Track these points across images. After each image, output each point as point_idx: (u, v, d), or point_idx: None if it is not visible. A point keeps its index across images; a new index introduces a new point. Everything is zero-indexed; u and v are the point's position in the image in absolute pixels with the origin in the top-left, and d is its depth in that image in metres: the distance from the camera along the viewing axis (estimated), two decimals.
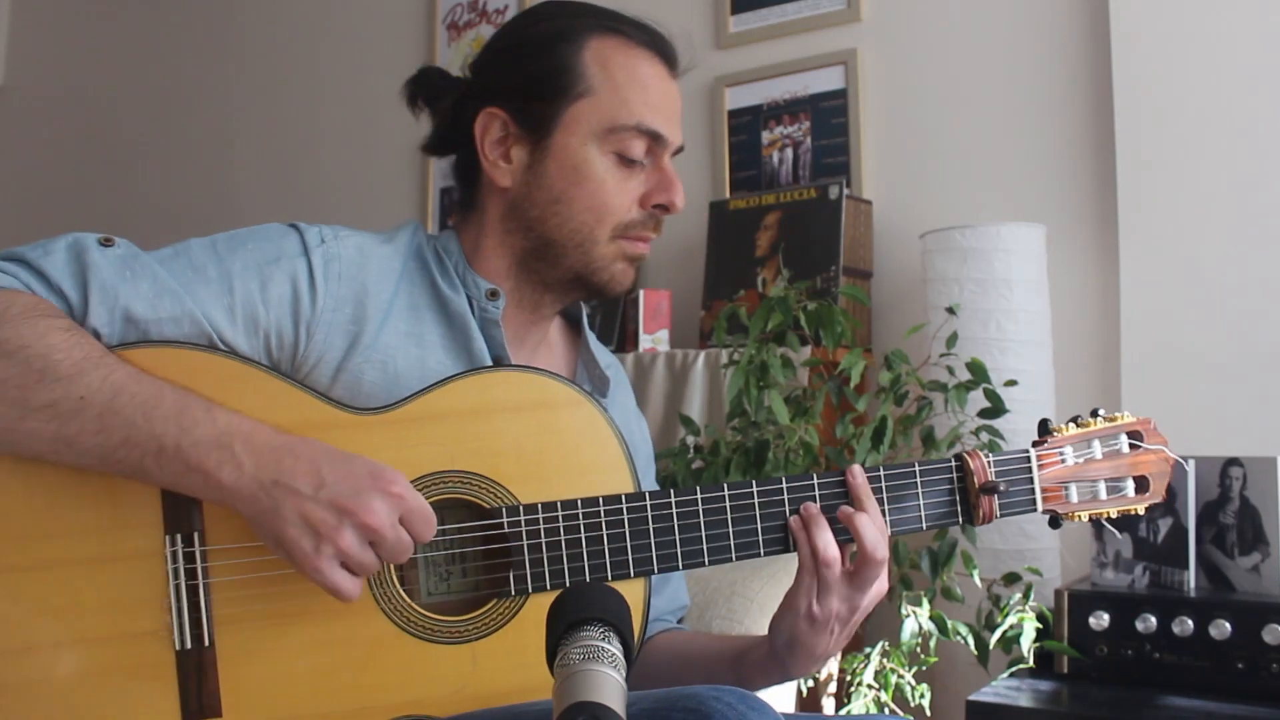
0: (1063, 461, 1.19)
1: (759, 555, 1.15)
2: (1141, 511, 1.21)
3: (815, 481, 1.15)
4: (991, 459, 1.17)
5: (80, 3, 4.23)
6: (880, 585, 1.15)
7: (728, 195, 2.81)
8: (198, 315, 1.10)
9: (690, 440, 2.15)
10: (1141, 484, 1.20)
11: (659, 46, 1.25)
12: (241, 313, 1.12)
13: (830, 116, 2.72)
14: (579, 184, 1.20)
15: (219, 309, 1.11)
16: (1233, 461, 1.88)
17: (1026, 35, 2.50)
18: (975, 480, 1.16)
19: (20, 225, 4.19)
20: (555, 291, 1.26)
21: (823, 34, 2.74)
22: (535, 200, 1.22)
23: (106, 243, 1.10)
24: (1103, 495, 1.19)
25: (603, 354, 1.38)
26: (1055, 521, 1.20)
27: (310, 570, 1.00)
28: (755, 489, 1.14)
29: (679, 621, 1.42)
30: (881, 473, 1.16)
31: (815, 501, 1.15)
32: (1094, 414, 1.22)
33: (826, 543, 1.12)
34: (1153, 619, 1.80)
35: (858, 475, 1.15)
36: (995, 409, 1.95)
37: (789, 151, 2.77)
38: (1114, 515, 1.21)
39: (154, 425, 1.00)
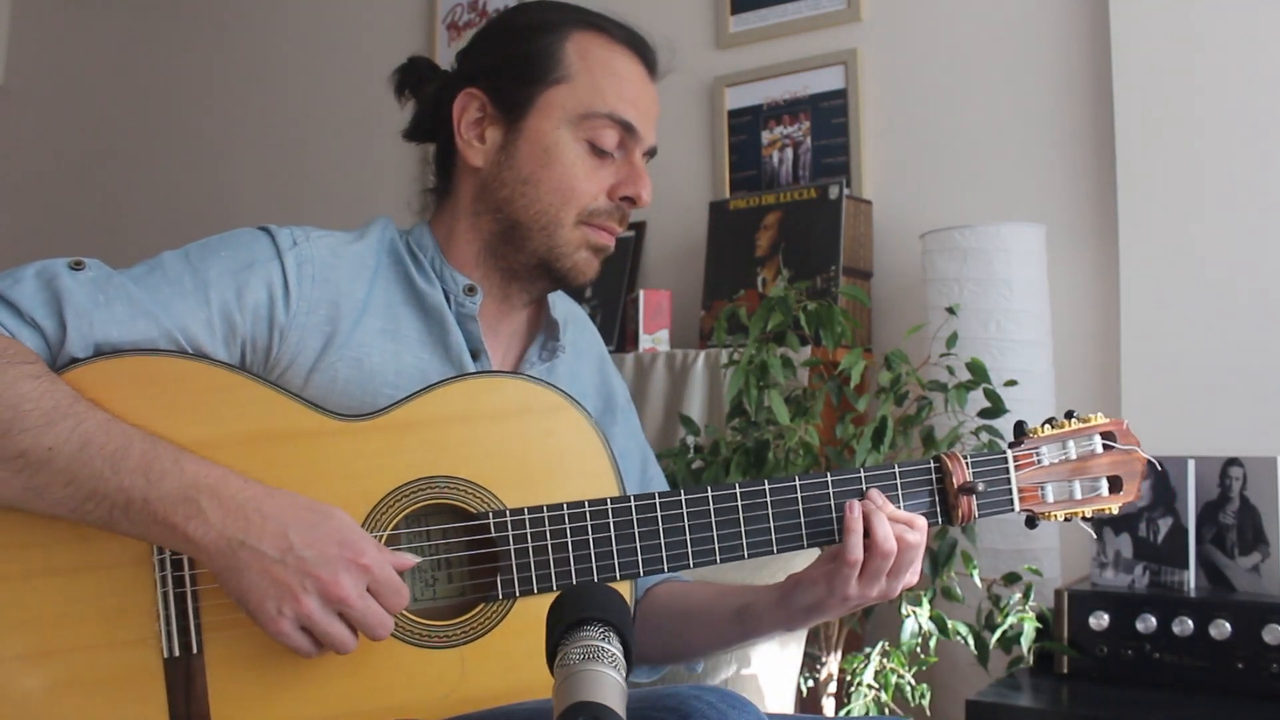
0: (1038, 462, 1.21)
1: (743, 558, 1.15)
2: (1115, 511, 1.23)
3: (798, 483, 1.16)
4: (969, 460, 1.18)
5: (80, 3, 4.23)
6: (913, 574, 1.16)
7: (728, 195, 2.80)
8: (175, 334, 1.10)
9: (690, 440, 2.15)
10: (1115, 484, 1.22)
11: (639, 47, 1.28)
12: (220, 323, 1.12)
13: (830, 116, 2.72)
14: (548, 166, 1.22)
15: (197, 322, 1.11)
16: (1233, 461, 1.87)
17: (1026, 35, 2.49)
18: (953, 481, 1.17)
19: (20, 225, 4.19)
20: (522, 280, 1.27)
21: (823, 34, 2.74)
22: (505, 180, 1.23)
23: (76, 266, 1.09)
24: (1078, 495, 1.21)
25: (561, 306, 1.36)
26: (1031, 522, 1.22)
27: (273, 634, 1.00)
28: (738, 491, 1.15)
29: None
30: (862, 474, 1.17)
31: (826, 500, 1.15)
32: (1068, 415, 1.23)
33: (886, 534, 1.12)
34: (1153, 619, 1.79)
35: (876, 498, 1.15)
36: (995, 409, 1.95)
37: (789, 151, 2.77)
38: (1089, 515, 1.23)
39: (121, 478, 0.99)
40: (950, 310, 2.16)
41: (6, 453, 0.98)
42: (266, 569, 0.99)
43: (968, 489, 1.17)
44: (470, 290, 1.24)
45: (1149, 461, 1.23)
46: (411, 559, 1.06)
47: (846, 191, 2.51)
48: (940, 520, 1.19)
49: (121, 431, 1.01)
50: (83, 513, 1.00)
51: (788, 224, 2.56)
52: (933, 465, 1.19)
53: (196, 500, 1.00)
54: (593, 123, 1.22)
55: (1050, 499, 1.21)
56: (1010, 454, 1.20)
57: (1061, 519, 1.22)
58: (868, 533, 1.12)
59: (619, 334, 2.76)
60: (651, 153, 1.28)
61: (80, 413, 1.01)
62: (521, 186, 1.23)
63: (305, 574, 0.99)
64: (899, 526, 1.13)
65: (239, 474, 1.03)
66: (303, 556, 0.99)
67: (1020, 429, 1.23)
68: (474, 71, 1.27)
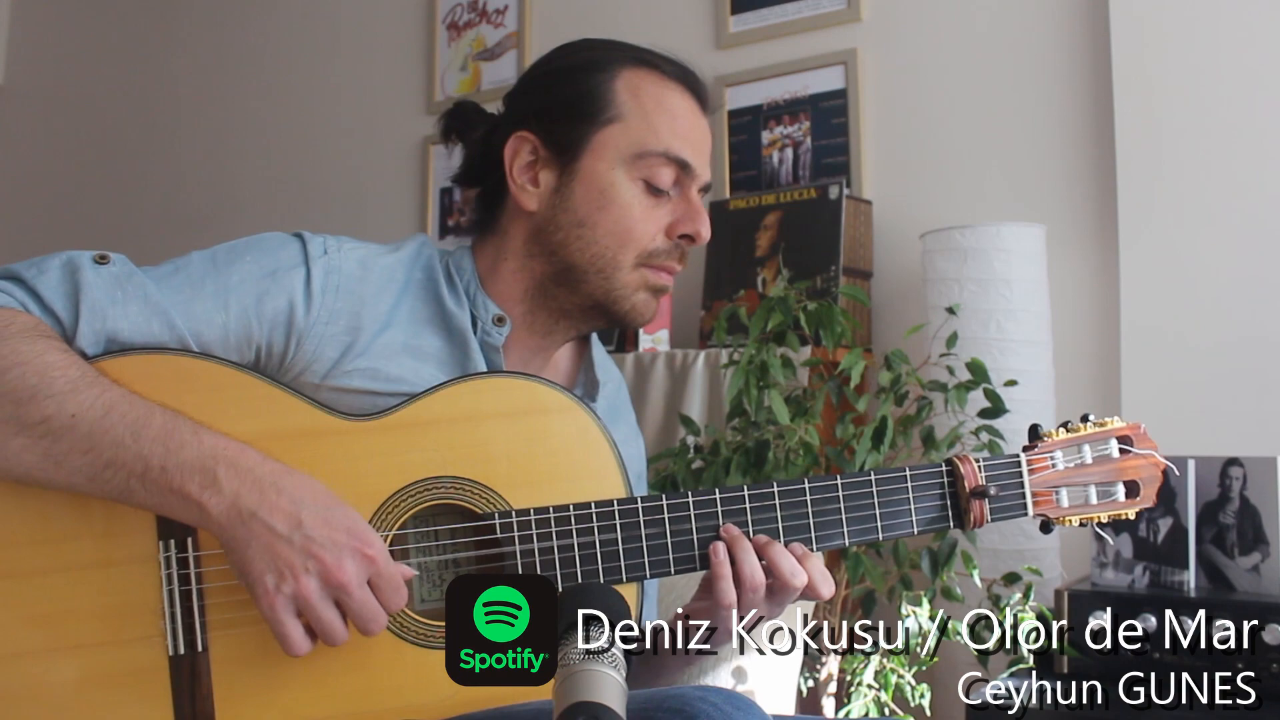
0: (1053, 466, 1.19)
1: None
2: (1132, 516, 1.21)
3: (795, 486, 1.14)
4: (982, 463, 1.17)
5: (80, 3, 4.23)
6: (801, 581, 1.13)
7: (728, 195, 2.80)
8: (187, 339, 1.10)
9: (690, 440, 2.15)
10: (1132, 488, 1.20)
11: (690, 83, 1.26)
12: (236, 329, 1.12)
13: (830, 116, 2.72)
14: (604, 208, 1.20)
15: (212, 328, 1.11)
16: (1233, 461, 1.87)
17: (1026, 35, 2.50)
18: (965, 485, 1.15)
19: (20, 225, 4.19)
20: (572, 318, 1.26)
21: (823, 34, 2.74)
22: (560, 224, 1.21)
23: (101, 260, 1.09)
24: (1093, 500, 1.19)
25: (606, 369, 1.37)
26: (1046, 526, 1.20)
27: (265, 608, 1.00)
28: (746, 492, 1.14)
29: None
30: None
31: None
32: (1084, 419, 1.21)
33: (754, 569, 1.10)
34: (1153, 619, 1.79)
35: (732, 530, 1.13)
36: (995, 409, 1.95)
37: (789, 151, 2.77)
38: (1105, 520, 1.21)
39: (141, 445, 1.00)
40: (950, 310, 2.16)
41: (30, 418, 0.99)
42: (272, 544, 0.99)
43: (980, 493, 1.15)
44: (499, 320, 1.23)
45: (1167, 467, 1.21)
46: (410, 571, 1.06)
47: (846, 191, 2.51)
48: (952, 524, 1.17)
49: (143, 403, 1.03)
50: (100, 481, 1.00)
51: (788, 224, 2.56)
52: (944, 468, 1.17)
53: (214, 470, 1.00)
54: (648, 161, 1.20)
55: (1065, 503, 1.19)
56: (1024, 457, 1.18)
57: (1076, 524, 1.20)
58: (735, 568, 1.10)
59: (619, 334, 2.76)
60: (707, 188, 1.26)
61: (105, 383, 1.02)
62: (577, 230, 1.20)
63: (309, 555, 0.99)
64: (788, 564, 1.10)
65: (258, 450, 1.03)
66: (310, 536, 0.99)
67: (1035, 432, 1.20)
68: (524, 114, 1.24)
